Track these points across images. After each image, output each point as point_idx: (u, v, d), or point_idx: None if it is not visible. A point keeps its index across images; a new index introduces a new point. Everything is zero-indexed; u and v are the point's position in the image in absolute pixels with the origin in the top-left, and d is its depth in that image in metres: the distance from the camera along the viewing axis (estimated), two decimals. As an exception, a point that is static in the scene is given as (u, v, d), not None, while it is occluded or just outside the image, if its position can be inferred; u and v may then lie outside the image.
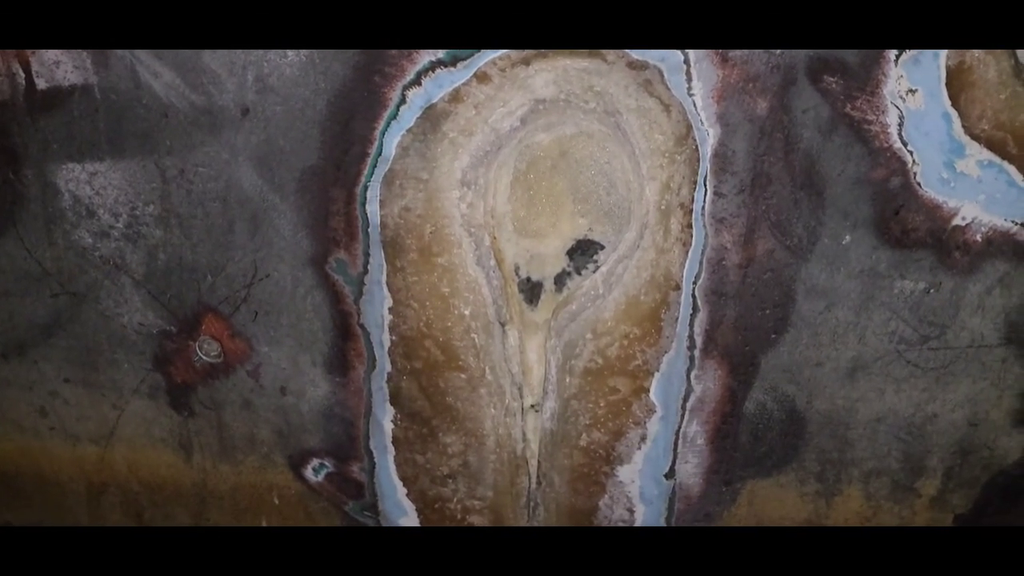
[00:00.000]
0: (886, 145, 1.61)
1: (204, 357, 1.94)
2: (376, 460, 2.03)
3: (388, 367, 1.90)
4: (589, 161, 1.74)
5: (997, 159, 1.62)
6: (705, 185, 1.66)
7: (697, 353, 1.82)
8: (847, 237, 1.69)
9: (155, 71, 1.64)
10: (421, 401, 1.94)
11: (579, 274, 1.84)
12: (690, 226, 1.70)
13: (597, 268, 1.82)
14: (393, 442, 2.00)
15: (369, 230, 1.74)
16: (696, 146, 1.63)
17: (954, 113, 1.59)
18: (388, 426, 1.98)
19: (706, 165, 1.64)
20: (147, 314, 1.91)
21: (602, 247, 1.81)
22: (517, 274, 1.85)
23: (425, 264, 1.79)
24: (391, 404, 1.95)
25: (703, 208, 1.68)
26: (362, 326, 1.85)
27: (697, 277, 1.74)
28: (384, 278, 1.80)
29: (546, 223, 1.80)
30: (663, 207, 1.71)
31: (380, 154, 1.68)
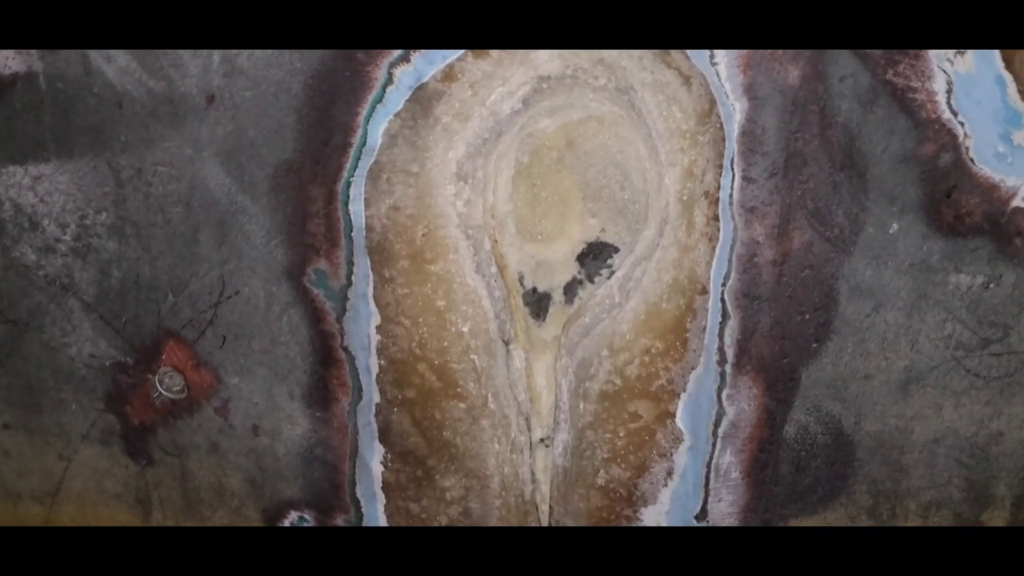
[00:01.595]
0: (934, 116, 1.43)
1: (165, 393, 1.71)
2: (364, 510, 1.78)
3: (376, 398, 1.67)
4: (600, 151, 1.55)
5: (1059, 129, 1.45)
6: (732, 169, 1.47)
7: (728, 368, 1.60)
8: (894, 225, 1.50)
9: (108, 55, 1.46)
10: (415, 437, 1.70)
11: (591, 282, 1.64)
12: (716, 218, 1.50)
13: (612, 274, 1.62)
14: (383, 488, 1.75)
15: (353, 234, 1.54)
16: (721, 124, 1.45)
17: (1008, 77, 1.42)
18: (377, 469, 1.73)
19: (733, 145, 1.46)
20: (99, 343, 1.69)
21: (617, 250, 1.61)
22: (522, 284, 1.64)
23: (417, 273, 1.58)
24: (380, 442, 1.71)
25: (731, 196, 1.48)
26: (346, 349, 1.63)
27: (726, 278, 1.53)
28: (370, 291, 1.58)
29: (553, 224, 1.60)
30: (685, 197, 1.52)
31: (364, 144, 1.49)
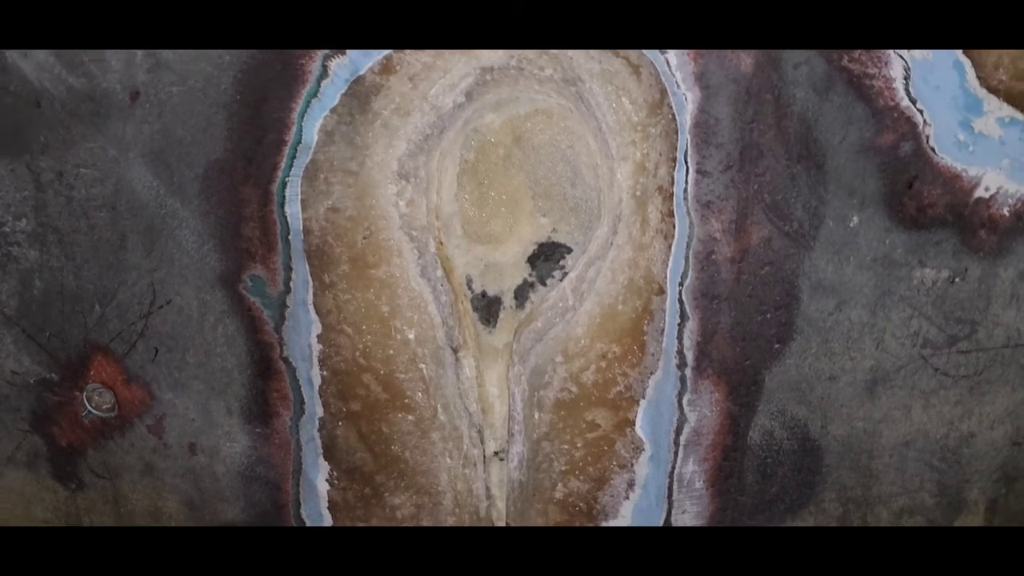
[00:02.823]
0: (892, 103, 1.38)
1: (94, 411, 1.61)
2: (310, 532, 1.68)
3: (319, 411, 1.58)
4: (549, 147, 1.49)
5: (1020, 115, 1.40)
6: (686, 162, 1.40)
7: (689, 372, 1.53)
8: (855, 218, 1.44)
9: (24, 51, 1.37)
10: (361, 453, 1.61)
11: (543, 284, 1.57)
12: (671, 214, 1.44)
13: (564, 276, 1.55)
14: (330, 507, 1.66)
15: (290, 237, 1.46)
16: (673, 115, 1.39)
17: (967, 62, 1.38)
18: (323, 487, 1.64)
19: (686, 137, 1.39)
20: (22, 359, 1.59)
21: (569, 250, 1.54)
22: (470, 288, 1.57)
23: (359, 278, 1.50)
24: (325, 459, 1.62)
25: (685, 191, 1.42)
26: (286, 360, 1.54)
27: (683, 277, 1.46)
28: (310, 297, 1.50)
29: (501, 225, 1.54)
30: (638, 193, 1.45)
31: (300, 142, 1.41)
